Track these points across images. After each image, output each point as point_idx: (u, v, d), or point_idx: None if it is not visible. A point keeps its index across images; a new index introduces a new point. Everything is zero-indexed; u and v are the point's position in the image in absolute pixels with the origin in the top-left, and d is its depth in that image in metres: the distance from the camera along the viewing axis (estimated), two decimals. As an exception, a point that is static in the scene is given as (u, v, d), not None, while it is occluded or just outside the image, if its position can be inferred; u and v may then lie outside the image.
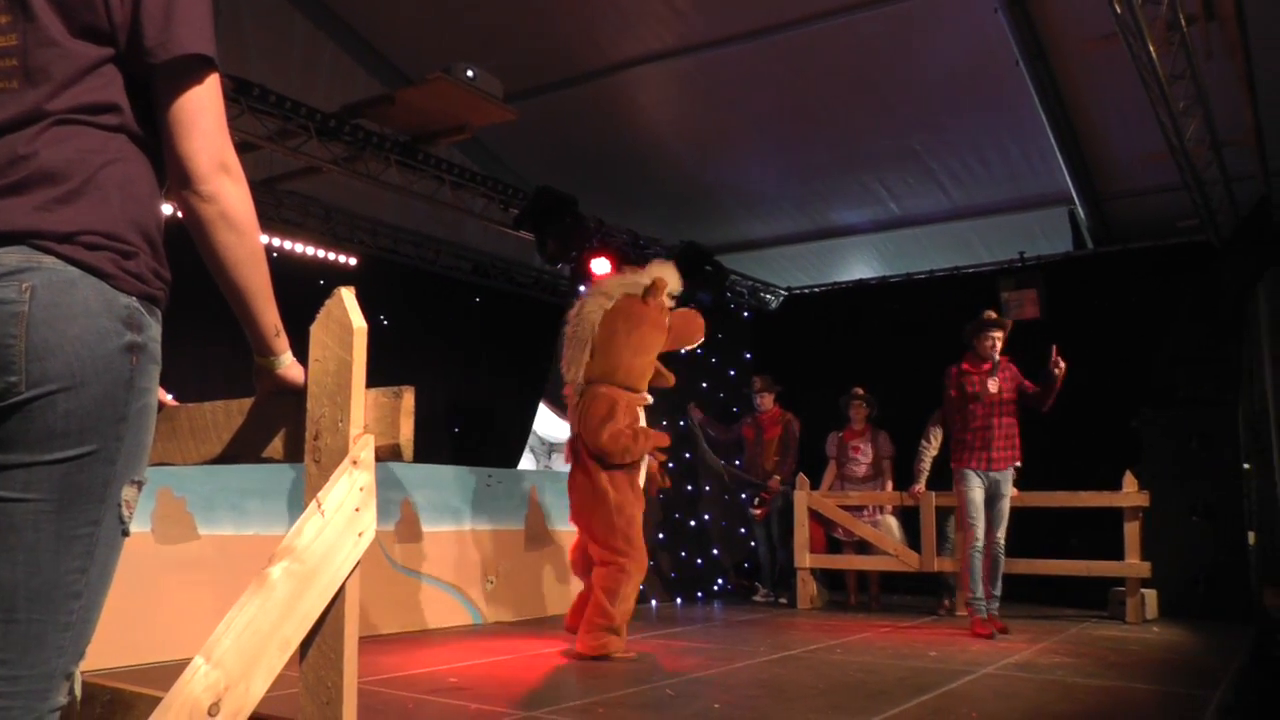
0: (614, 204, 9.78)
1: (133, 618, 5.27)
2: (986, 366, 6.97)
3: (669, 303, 6.45)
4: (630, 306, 6.25)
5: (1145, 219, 9.37)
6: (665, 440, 6.33)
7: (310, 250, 8.60)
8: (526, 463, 12.98)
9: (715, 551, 10.35)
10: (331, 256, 8.78)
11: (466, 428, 10.11)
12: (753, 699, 4.72)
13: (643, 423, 6.24)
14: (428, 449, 8.41)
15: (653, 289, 6.25)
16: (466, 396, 10.18)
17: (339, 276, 7.76)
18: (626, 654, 5.97)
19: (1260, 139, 7.92)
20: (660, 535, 9.58)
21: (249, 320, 1.82)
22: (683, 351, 6.76)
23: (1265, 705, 6.92)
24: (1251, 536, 8.32)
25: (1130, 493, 7.54)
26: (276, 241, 8.22)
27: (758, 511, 9.31)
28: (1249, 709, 5.96)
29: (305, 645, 1.76)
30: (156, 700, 1.86)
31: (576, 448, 6.23)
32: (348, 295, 1.88)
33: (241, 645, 1.61)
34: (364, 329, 1.85)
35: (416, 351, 9.19)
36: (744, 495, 9.62)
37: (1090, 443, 8.61)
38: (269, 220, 8.25)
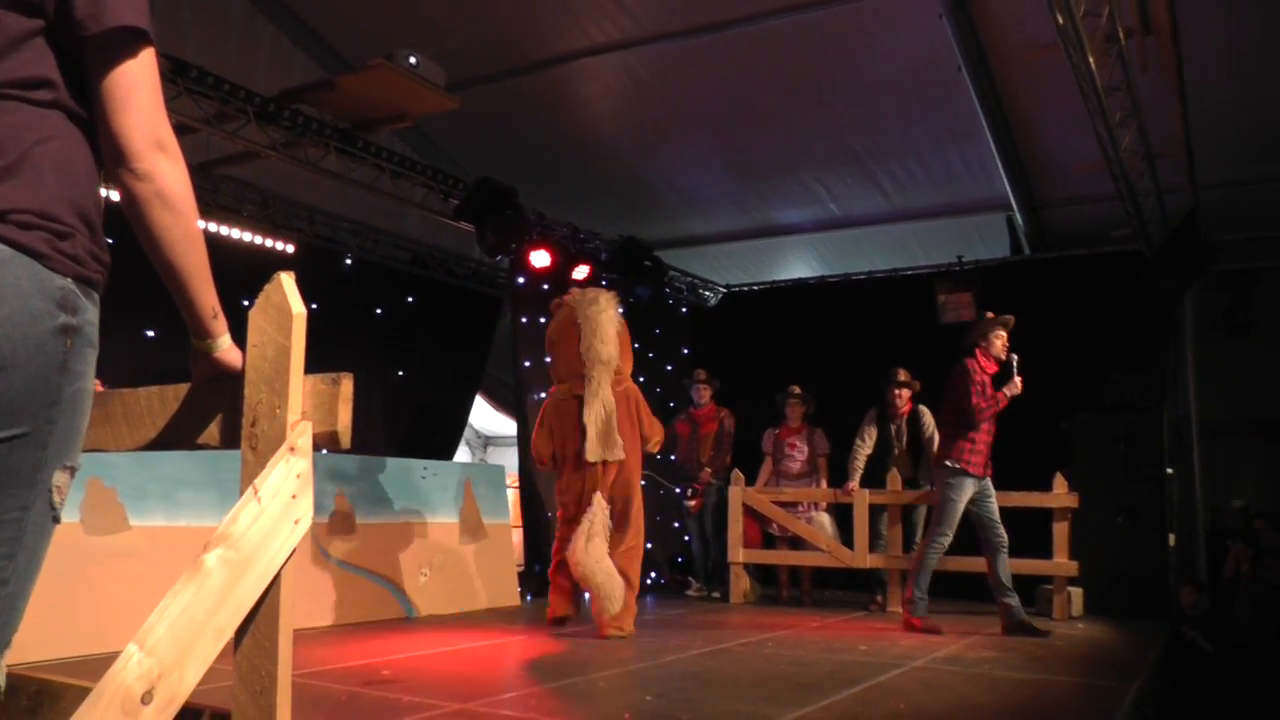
0: (555, 197, 9.76)
1: (60, 610, 5.16)
2: (995, 369, 6.92)
3: None
4: None
5: (1081, 227, 9.55)
6: None
7: (247, 236, 8.47)
8: (461, 456, 12.92)
9: (649, 546, 10.34)
10: (269, 243, 8.65)
11: (402, 419, 10.03)
12: (684, 691, 4.74)
13: None
14: (362, 440, 8.34)
15: None
16: (402, 388, 10.10)
17: (276, 264, 7.64)
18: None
19: (1190, 153, 8.12)
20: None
21: (186, 302, 1.79)
22: None
23: (1177, 695, 7.13)
24: (1171, 538, 8.54)
25: (1060, 494, 7.68)
26: (212, 227, 8.08)
27: (692, 503, 9.34)
28: (1162, 699, 6.12)
29: (240, 634, 1.75)
30: (85, 691, 1.83)
31: (610, 430, 6.48)
32: (287, 280, 1.86)
33: (176, 633, 1.59)
34: (303, 314, 1.83)
35: (353, 342, 9.09)
36: (678, 489, 9.64)
37: (1022, 444, 8.75)
38: (204, 205, 8.11)
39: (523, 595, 8.50)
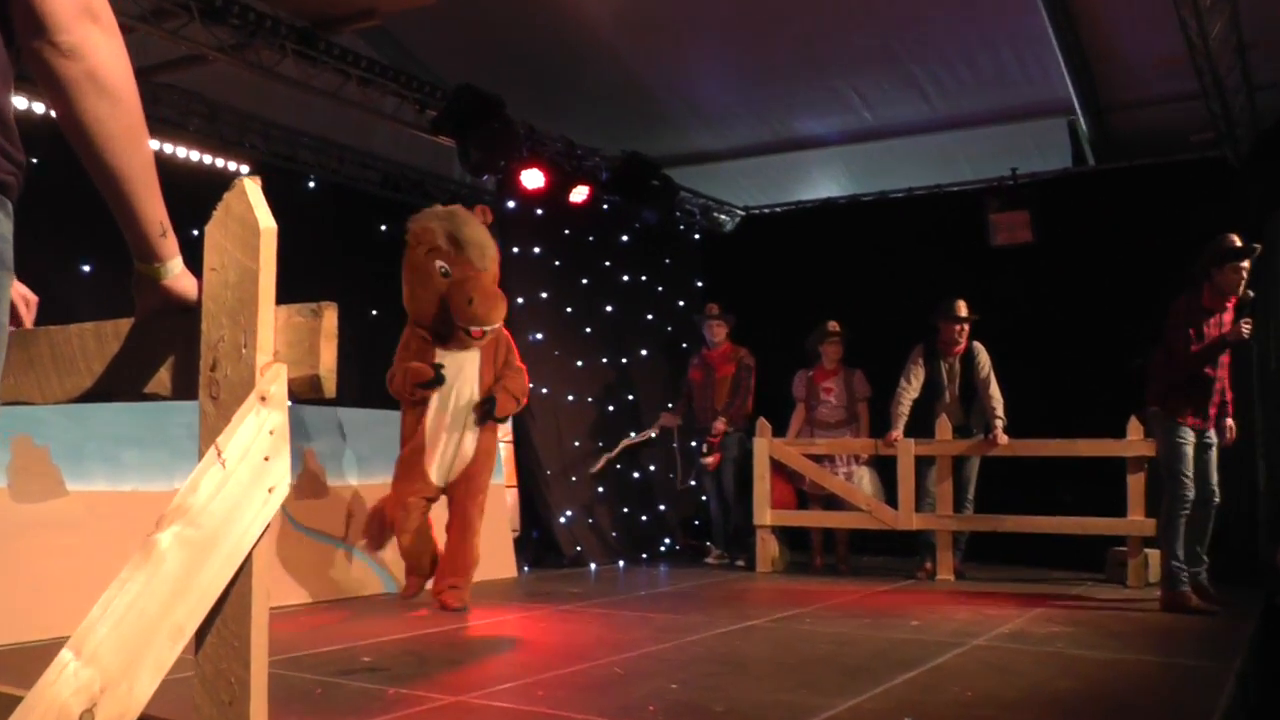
0: (546, 107, 9.53)
1: (-15, 589, 5.05)
2: (1230, 304, 6.48)
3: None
4: None
5: (1155, 132, 9.31)
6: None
7: (193, 155, 8.27)
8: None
9: (661, 508, 10.27)
10: (219, 163, 8.45)
11: (376, 366, 9.86)
12: (714, 677, 4.64)
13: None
14: (331, 389, 8.17)
15: None
16: (373, 330, 9.92)
17: (226, 185, 7.46)
18: None
19: (1291, 40, 7.86)
20: (600, 489, 9.47)
21: (126, 215, 1.60)
22: None
23: (1277, 673, 7.02)
24: (1261, 483, 8.39)
25: (1135, 440, 7.50)
26: (153, 144, 7.87)
27: (709, 460, 9.20)
28: (1266, 677, 6.01)
29: (202, 632, 1.58)
30: (10, 698, 1.67)
31: None
32: (251, 187, 1.67)
33: (122, 634, 1.41)
34: (273, 229, 1.65)
35: (318, 277, 8.87)
36: (693, 443, 9.52)
37: (1086, 384, 8.62)
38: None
39: (520, 566, 8.39)
